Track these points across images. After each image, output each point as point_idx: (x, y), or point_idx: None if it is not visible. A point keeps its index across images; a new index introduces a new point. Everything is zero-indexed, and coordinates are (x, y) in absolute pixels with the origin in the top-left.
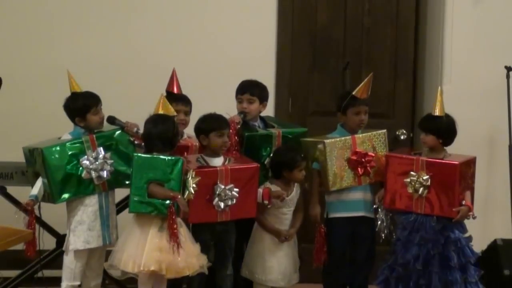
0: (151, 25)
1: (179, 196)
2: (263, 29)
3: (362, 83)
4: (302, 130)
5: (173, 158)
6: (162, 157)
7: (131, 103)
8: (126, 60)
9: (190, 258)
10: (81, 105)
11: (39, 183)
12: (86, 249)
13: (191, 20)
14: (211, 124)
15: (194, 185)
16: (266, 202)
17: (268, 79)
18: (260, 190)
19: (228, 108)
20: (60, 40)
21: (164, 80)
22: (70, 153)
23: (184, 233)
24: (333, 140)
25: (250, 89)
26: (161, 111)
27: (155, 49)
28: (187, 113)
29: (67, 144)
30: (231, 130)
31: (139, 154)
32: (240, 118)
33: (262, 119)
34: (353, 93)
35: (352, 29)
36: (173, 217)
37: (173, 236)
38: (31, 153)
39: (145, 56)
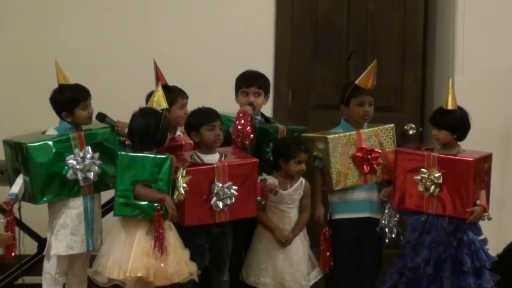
0: (144, 15)
1: (168, 199)
2: (260, 16)
3: (365, 71)
4: (302, 128)
5: (161, 156)
6: (148, 155)
7: (122, 98)
8: (117, 52)
9: (180, 264)
10: (69, 99)
11: (19, 180)
12: (67, 255)
13: (183, 8)
14: (200, 118)
15: (184, 185)
16: (259, 198)
17: (266, 71)
18: None
19: (222, 102)
20: (46, 31)
21: (152, 72)
22: (55, 150)
23: (174, 237)
24: (336, 135)
25: (257, 82)
26: (151, 104)
27: (148, 40)
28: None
29: (52, 140)
30: (244, 122)
31: (124, 153)
32: (251, 109)
33: (262, 114)
34: (356, 82)
35: (356, 16)
36: (160, 221)
37: (158, 242)
38: (13, 148)
39: (137, 48)
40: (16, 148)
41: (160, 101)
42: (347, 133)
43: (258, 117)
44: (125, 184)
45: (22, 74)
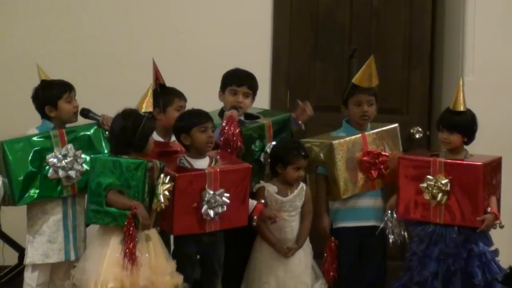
0: (138, 10)
1: (139, 206)
2: (256, 11)
3: (361, 68)
4: (287, 116)
5: (134, 161)
6: (120, 159)
7: (106, 98)
8: (111, 49)
9: (160, 277)
10: (52, 91)
11: None
12: (48, 264)
13: (179, 3)
14: (191, 119)
15: (166, 192)
16: (255, 217)
17: (263, 70)
18: (254, 202)
19: (215, 101)
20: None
21: (147, 71)
22: (35, 148)
23: (154, 247)
24: (341, 140)
25: (248, 82)
26: (139, 106)
27: (143, 36)
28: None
29: (32, 138)
30: (233, 128)
31: (97, 156)
32: (237, 113)
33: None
34: (353, 80)
35: (359, 11)
36: (130, 230)
37: (128, 252)
38: None
39: (126, 43)
40: None
41: (148, 104)
42: (352, 137)
43: (242, 118)
44: (98, 190)
45: (4, 73)
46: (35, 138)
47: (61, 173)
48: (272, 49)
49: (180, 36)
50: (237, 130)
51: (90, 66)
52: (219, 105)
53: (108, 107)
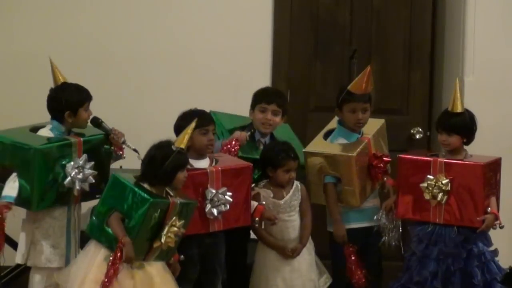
0: (139, 11)
1: (127, 244)
2: (257, 12)
3: (359, 76)
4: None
5: (144, 195)
6: (132, 187)
7: (105, 98)
8: (114, 50)
9: None
10: (75, 97)
11: (15, 183)
12: (52, 268)
13: (179, 5)
14: (192, 120)
15: (171, 235)
16: (257, 219)
17: (263, 70)
18: (255, 204)
19: (217, 100)
20: (42, 26)
21: (146, 72)
22: (56, 156)
23: (149, 276)
24: (358, 150)
25: (278, 100)
26: (180, 139)
27: (144, 38)
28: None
29: (56, 145)
30: (233, 148)
31: (117, 176)
32: (247, 136)
33: (272, 136)
34: (348, 87)
35: (359, 11)
36: (115, 260)
37: (108, 280)
38: (7, 145)
39: (125, 44)
40: (13, 147)
41: (183, 140)
42: (362, 144)
43: (263, 140)
44: (104, 207)
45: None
46: (58, 146)
47: (77, 184)
48: (272, 49)
49: (179, 37)
50: (236, 148)
51: (88, 65)
52: (219, 106)
53: (107, 107)
